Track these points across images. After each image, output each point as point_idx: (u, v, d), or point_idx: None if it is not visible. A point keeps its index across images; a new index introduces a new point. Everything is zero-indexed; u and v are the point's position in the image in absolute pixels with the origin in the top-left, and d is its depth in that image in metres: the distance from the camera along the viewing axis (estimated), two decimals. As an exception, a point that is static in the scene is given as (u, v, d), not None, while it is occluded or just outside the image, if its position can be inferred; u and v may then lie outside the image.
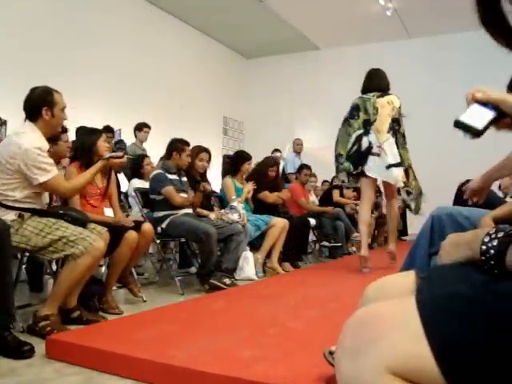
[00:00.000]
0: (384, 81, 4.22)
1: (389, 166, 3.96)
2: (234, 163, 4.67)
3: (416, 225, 1.49)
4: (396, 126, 4.05)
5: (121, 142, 2.92)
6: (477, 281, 0.69)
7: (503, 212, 1.27)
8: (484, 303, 0.62)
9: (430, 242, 1.37)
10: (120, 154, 2.80)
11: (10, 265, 2.01)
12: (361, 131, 4.03)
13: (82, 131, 3.23)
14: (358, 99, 4.18)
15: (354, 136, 4.05)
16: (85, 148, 2.92)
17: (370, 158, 3.98)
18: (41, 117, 2.36)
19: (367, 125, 4.02)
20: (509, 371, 0.58)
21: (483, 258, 0.71)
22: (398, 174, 4.02)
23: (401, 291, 0.79)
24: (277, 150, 7.62)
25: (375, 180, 4.14)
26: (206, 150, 4.10)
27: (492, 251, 0.70)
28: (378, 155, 3.95)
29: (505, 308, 0.61)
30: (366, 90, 4.21)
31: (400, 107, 4.17)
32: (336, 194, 6.54)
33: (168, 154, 3.77)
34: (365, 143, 3.99)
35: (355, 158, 4.04)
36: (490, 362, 0.59)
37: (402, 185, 4.09)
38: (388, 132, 3.99)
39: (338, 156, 4.20)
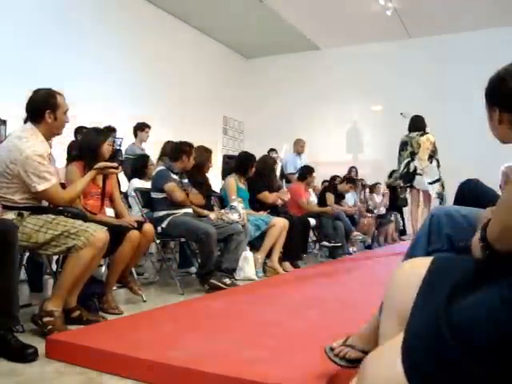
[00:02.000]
0: (423, 124, 6.05)
1: (430, 183, 5.83)
2: (241, 163, 4.65)
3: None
4: (433, 155, 5.89)
5: (119, 151, 2.88)
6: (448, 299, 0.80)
7: None
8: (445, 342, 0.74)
9: (428, 241, 1.39)
10: (115, 164, 2.79)
11: (16, 267, 2.01)
12: (409, 159, 5.90)
13: (87, 131, 3.21)
14: (406, 137, 6.03)
15: (404, 162, 5.93)
16: (90, 149, 2.91)
17: (417, 177, 5.87)
18: (43, 120, 2.36)
19: (413, 155, 5.89)
20: None
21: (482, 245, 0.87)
22: (434, 187, 5.84)
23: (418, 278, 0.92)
24: (272, 150, 7.56)
25: (419, 190, 6.02)
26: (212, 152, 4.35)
27: (481, 241, 0.88)
28: (421, 175, 5.83)
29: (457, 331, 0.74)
30: (410, 130, 6.04)
31: (435, 142, 5.92)
32: (330, 198, 6.44)
33: (176, 157, 3.77)
34: (412, 167, 5.89)
35: (405, 177, 5.98)
36: None
37: (435, 195, 5.86)
38: (428, 160, 5.81)
39: (392, 171, 6.54)
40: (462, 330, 0.73)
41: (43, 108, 2.35)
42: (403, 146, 6.00)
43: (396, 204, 8.09)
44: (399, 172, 6.04)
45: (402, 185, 6.08)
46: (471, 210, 1.38)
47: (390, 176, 6.35)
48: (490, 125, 1.23)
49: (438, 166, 5.90)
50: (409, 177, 5.92)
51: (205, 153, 4.25)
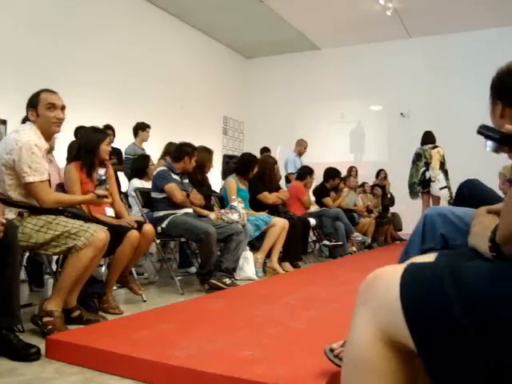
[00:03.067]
0: (433, 138, 7.11)
1: (440, 188, 6.82)
2: (242, 164, 4.64)
3: (411, 225, 1.53)
4: (442, 166, 6.96)
5: (104, 180, 2.78)
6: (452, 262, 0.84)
7: (498, 208, 1.29)
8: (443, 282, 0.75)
9: (423, 240, 1.41)
10: (106, 193, 2.69)
11: (17, 267, 2.01)
12: (424, 168, 6.96)
13: (86, 130, 3.21)
14: (420, 149, 7.07)
15: (420, 171, 6.98)
16: (88, 149, 2.90)
17: (431, 184, 6.89)
18: (32, 119, 2.38)
19: (427, 165, 6.94)
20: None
21: (492, 254, 0.89)
22: (445, 193, 6.79)
23: None
24: (266, 149, 7.47)
25: (429, 195, 7.03)
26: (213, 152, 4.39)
27: (490, 242, 0.89)
28: (434, 182, 6.87)
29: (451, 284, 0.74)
30: (423, 143, 7.09)
31: (444, 154, 6.96)
32: (328, 200, 6.40)
33: (178, 157, 3.77)
34: (427, 175, 6.95)
35: (423, 183, 7.02)
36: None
37: (447, 200, 6.72)
38: (438, 169, 6.87)
39: (413, 183, 7.12)
40: (474, 299, 0.72)
41: (27, 108, 2.39)
42: (418, 157, 7.08)
43: (383, 203, 8.18)
44: (417, 179, 7.14)
45: (421, 190, 7.14)
46: (466, 211, 1.39)
47: (412, 186, 7.20)
48: (491, 118, 1.21)
49: (446, 175, 6.93)
50: (425, 184, 7.08)
51: (206, 153, 4.26)
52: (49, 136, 2.44)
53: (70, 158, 3.34)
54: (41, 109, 2.36)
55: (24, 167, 2.24)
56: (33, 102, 2.37)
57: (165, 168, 3.76)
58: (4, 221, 1.87)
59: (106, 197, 2.63)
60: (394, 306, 0.74)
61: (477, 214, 1.29)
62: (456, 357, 0.71)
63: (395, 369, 0.76)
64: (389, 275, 0.79)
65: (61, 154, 4.15)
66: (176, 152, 3.86)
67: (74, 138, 4.45)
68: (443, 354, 0.72)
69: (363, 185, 8.09)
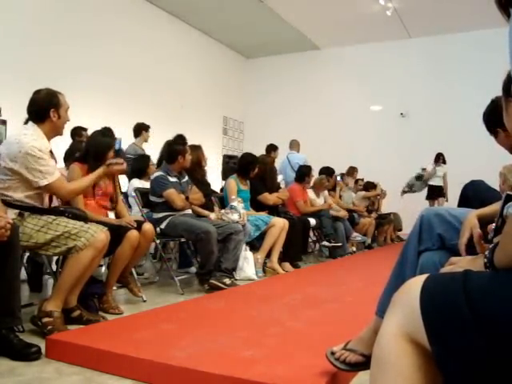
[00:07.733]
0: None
1: None
2: (243, 165, 4.63)
3: (411, 225, 1.53)
4: None
5: (120, 150, 2.84)
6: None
7: (487, 211, 1.29)
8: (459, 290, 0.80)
9: (419, 240, 1.42)
10: (121, 160, 2.76)
11: (18, 267, 2.01)
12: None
13: (95, 133, 3.13)
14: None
15: None
16: (96, 154, 2.88)
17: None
18: (49, 119, 2.38)
19: None
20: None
21: (486, 267, 0.90)
22: None
23: None
24: (272, 146, 7.38)
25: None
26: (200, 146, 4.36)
27: (486, 260, 0.90)
28: None
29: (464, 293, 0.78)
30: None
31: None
32: (332, 200, 6.41)
33: (171, 159, 3.72)
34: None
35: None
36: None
37: None
38: None
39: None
40: (477, 299, 0.76)
41: (47, 107, 2.38)
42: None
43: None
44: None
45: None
46: (463, 211, 1.40)
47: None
48: (504, 117, 1.19)
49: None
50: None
51: (196, 150, 4.18)
52: (53, 136, 2.46)
53: (74, 158, 3.29)
54: (62, 111, 2.43)
55: (35, 173, 2.27)
56: (54, 102, 2.39)
57: (161, 173, 3.67)
58: (11, 221, 1.88)
59: (118, 163, 2.68)
60: (415, 306, 0.81)
61: (467, 220, 1.29)
62: (461, 354, 0.76)
63: (414, 364, 0.80)
64: (414, 280, 0.87)
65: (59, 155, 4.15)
66: (168, 154, 3.78)
67: (71, 139, 4.44)
68: (450, 351, 0.77)
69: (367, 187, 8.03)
